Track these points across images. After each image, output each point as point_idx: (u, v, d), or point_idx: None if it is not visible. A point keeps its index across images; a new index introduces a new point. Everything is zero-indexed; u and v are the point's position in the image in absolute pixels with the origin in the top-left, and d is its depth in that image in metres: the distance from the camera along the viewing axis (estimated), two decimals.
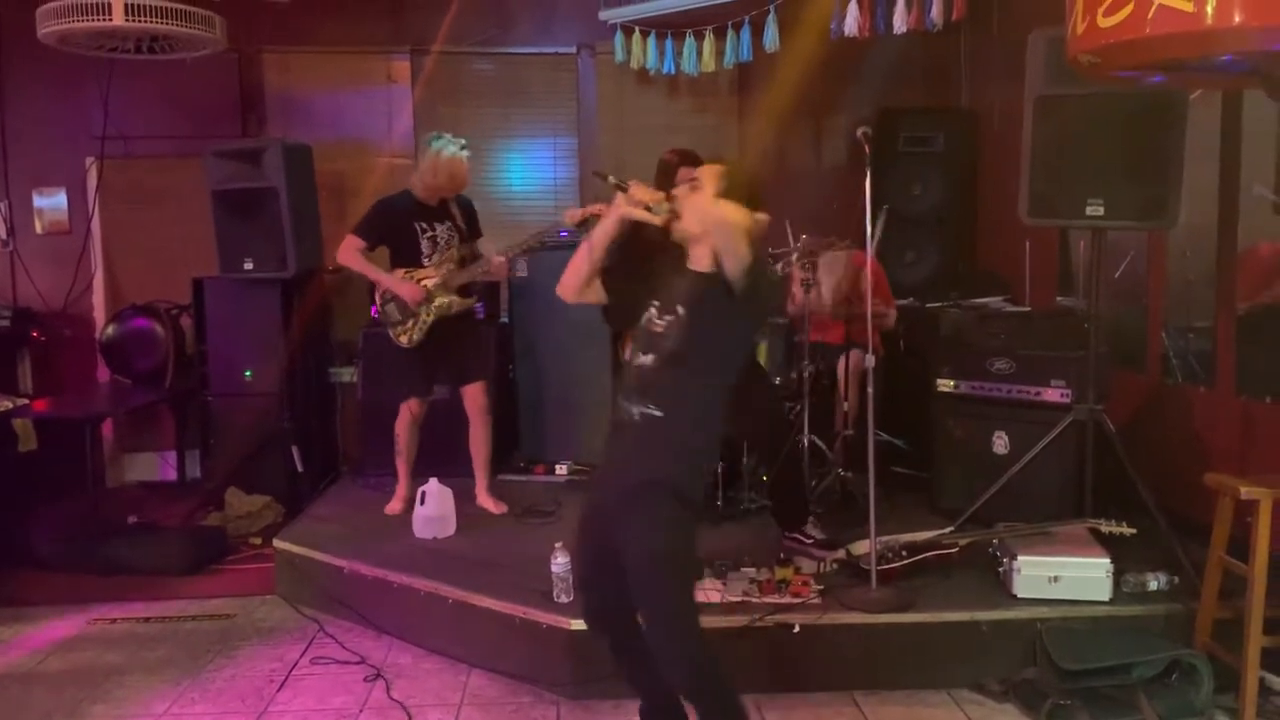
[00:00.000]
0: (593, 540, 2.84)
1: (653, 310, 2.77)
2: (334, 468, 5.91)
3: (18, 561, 4.75)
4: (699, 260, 2.69)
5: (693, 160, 3.88)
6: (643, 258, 2.91)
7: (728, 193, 2.65)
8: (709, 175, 2.71)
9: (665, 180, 3.88)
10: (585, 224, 4.38)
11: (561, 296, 2.94)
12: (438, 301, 4.57)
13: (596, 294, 2.88)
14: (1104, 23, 2.36)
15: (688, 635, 2.67)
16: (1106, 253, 4.02)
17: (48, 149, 6.12)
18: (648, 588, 2.64)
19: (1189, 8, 2.20)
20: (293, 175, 5.25)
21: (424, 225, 4.63)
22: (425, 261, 4.61)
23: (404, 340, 4.63)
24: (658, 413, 2.66)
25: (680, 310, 2.69)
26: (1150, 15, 2.27)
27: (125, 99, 5.93)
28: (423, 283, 4.57)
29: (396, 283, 4.57)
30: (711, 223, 2.56)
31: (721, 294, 2.57)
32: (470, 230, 4.80)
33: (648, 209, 2.69)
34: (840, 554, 3.84)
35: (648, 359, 2.72)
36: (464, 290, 4.69)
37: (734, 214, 2.54)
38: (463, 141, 4.65)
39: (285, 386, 5.45)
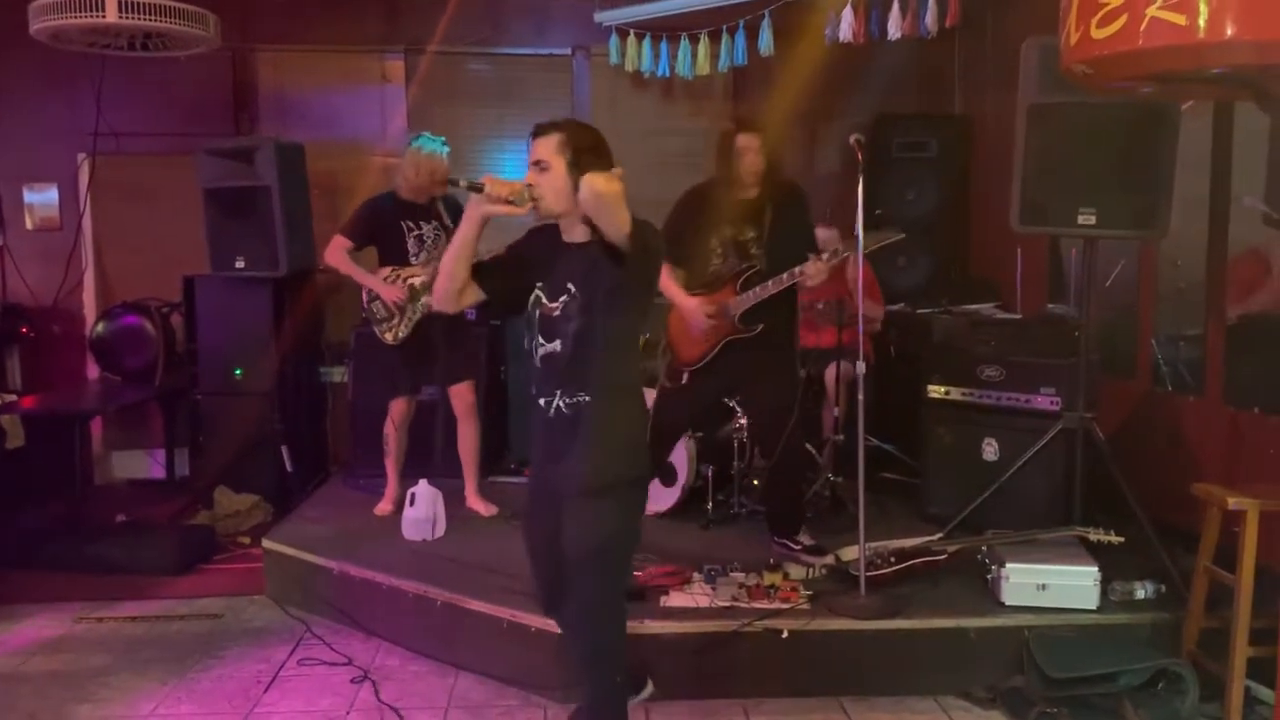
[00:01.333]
0: (540, 537, 2.82)
1: (539, 294, 2.70)
2: (324, 468, 5.90)
3: (3, 559, 4.72)
4: (574, 233, 2.65)
5: (748, 125, 3.90)
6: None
7: (580, 161, 2.57)
8: (546, 150, 2.60)
9: (726, 147, 3.90)
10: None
11: (442, 309, 2.85)
12: (423, 300, 4.56)
13: (474, 295, 2.77)
14: (1097, 34, 2.36)
15: (614, 624, 2.72)
16: (1097, 261, 4.03)
17: (39, 144, 6.09)
18: (588, 576, 2.65)
19: (1182, 21, 2.20)
20: (285, 174, 5.24)
21: (410, 224, 4.62)
22: (412, 260, 4.61)
23: (389, 338, 4.63)
24: (586, 397, 2.62)
25: (572, 288, 2.62)
26: (1143, 28, 2.27)
27: (118, 95, 5.90)
28: (409, 281, 4.56)
29: (379, 284, 4.56)
30: (582, 199, 2.42)
31: (607, 261, 2.48)
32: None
33: (509, 202, 2.60)
34: (829, 560, 3.84)
35: (554, 345, 2.66)
36: None
37: (599, 184, 2.38)
38: (442, 139, 4.66)
39: (275, 386, 5.44)
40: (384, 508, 4.78)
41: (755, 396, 4.09)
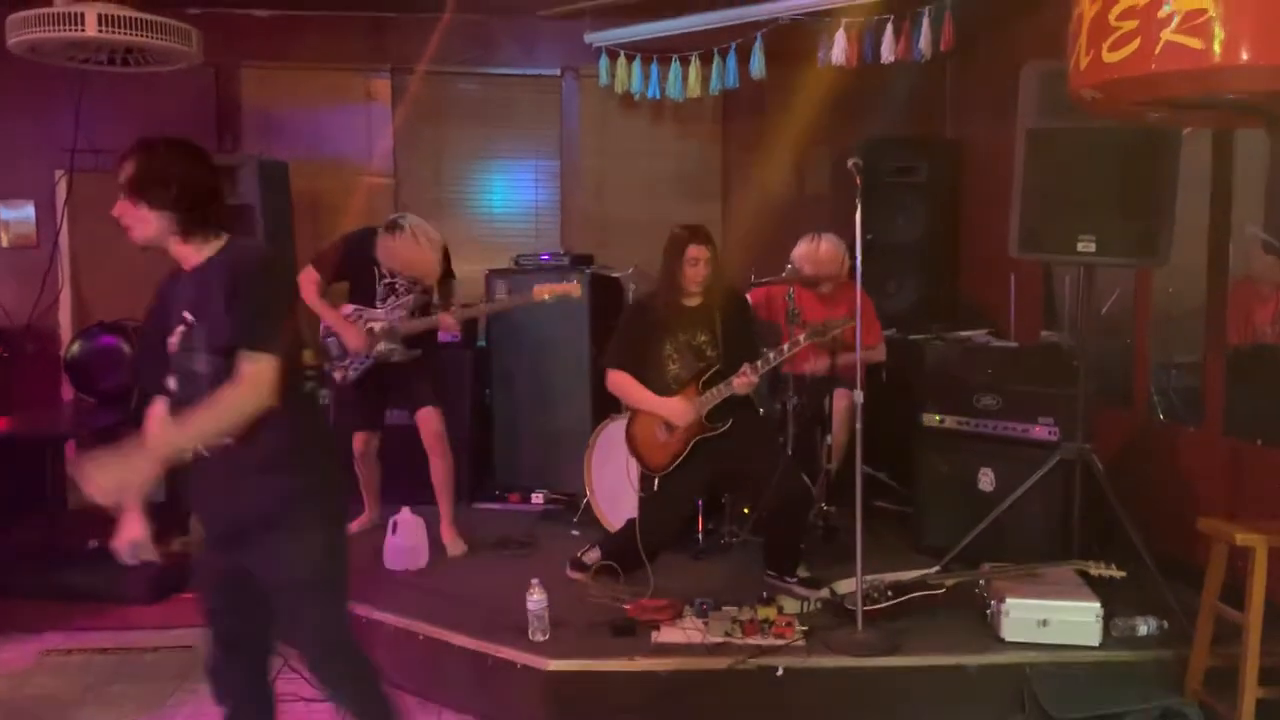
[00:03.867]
0: (213, 584, 2.62)
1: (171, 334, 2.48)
2: None
3: None
4: (185, 258, 2.49)
5: (701, 237, 3.95)
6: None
7: (147, 183, 2.44)
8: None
9: (675, 253, 3.94)
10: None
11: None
12: (379, 348, 4.43)
13: None
14: (1109, 57, 2.31)
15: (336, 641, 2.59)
16: (1095, 288, 3.97)
17: (15, 160, 5.97)
18: (298, 609, 2.50)
19: (1198, 45, 2.15)
20: (268, 193, 5.15)
21: (384, 271, 4.46)
22: (378, 305, 4.48)
23: (339, 377, 4.54)
24: (229, 440, 2.39)
25: (188, 316, 2.43)
26: (1157, 51, 2.21)
27: (98, 112, 5.78)
28: (369, 325, 4.44)
29: (343, 325, 4.42)
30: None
31: (219, 280, 2.36)
32: (445, 271, 4.62)
33: None
34: (824, 593, 3.74)
35: (179, 385, 2.45)
36: (411, 340, 4.52)
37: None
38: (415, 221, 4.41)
39: None
40: (351, 527, 4.66)
41: (748, 475, 4.04)
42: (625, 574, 3.97)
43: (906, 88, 6.06)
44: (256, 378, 2.31)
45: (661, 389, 3.99)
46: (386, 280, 4.47)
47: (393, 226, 4.36)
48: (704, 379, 3.92)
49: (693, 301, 4.01)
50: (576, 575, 4.06)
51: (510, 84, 6.34)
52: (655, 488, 4.03)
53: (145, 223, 2.49)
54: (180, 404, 2.45)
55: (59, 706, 3.60)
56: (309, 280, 4.41)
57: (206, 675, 2.69)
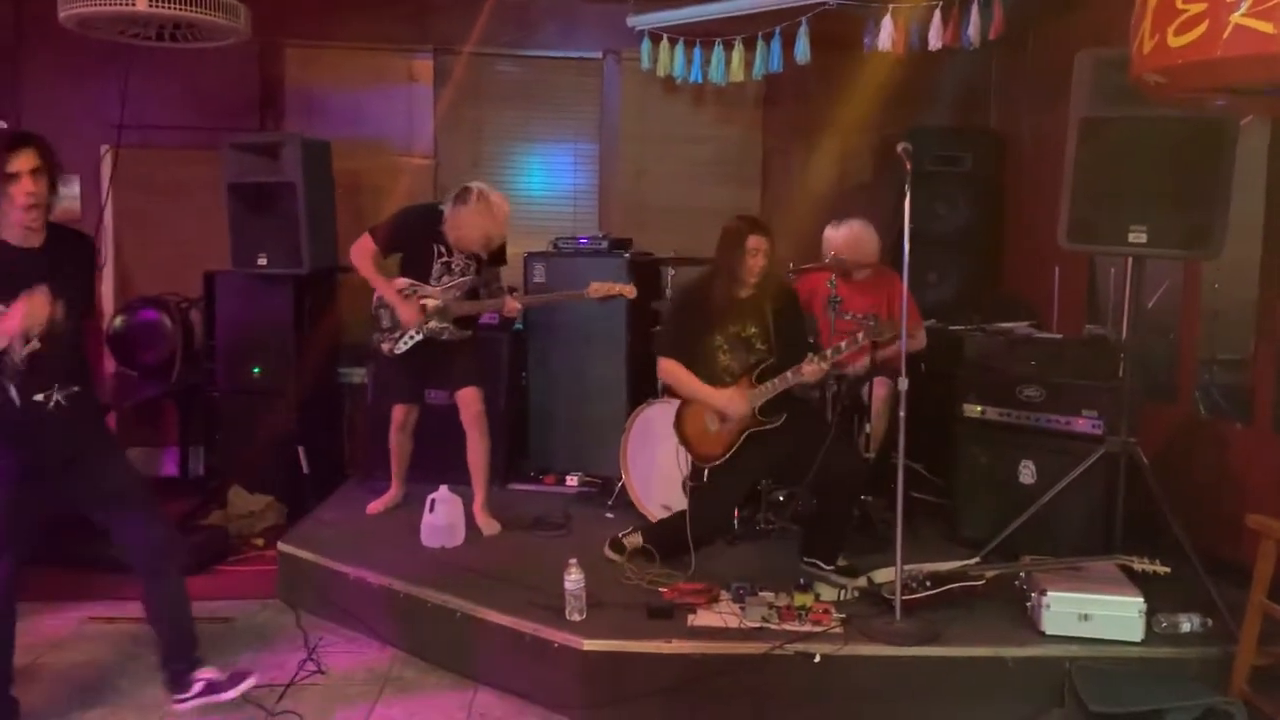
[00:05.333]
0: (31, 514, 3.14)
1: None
2: (339, 470, 5.80)
3: None
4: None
5: (760, 228, 3.91)
6: None
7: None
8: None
9: (735, 243, 3.89)
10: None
11: None
12: (430, 325, 4.46)
13: None
14: (1174, 42, 2.26)
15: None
16: (1144, 280, 3.91)
17: (63, 135, 5.89)
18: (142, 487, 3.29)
19: (1268, 29, 2.10)
20: (310, 171, 5.16)
21: (442, 249, 4.48)
22: (432, 282, 4.50)
23: (386, 348, 4.55)
24: (77, 388, 3.07)
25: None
26: (1225, 35, 2.16)
27: (144, 88, 5.83)
28: (423, 302, 4.46)
29: (398, 299, 4.44)
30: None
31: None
32: (494, 259, 4.66)
33: None
34: (862, 582, 3.72)
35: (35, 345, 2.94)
36: (464, 321, 4.57)
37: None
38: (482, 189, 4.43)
39: (294, 385, 5.35)
40: (374, 506, 4.76)
41: (802, 466, 3.91)
42: (663, 560, 3.96)
43: (952, 76, 6.00)
44: None
45: (712, 380, 3.94)
46: (443, 259, 4.49)
47: (463, 195, 4.39)
48: (758, 371, 3.90)
49: (745, 293, 3.97)
50: (614, 556, 4.06)
51: (551, 66, 6.33)
52: (705, 479, 4.00)
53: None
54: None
55: (102, 674, 3.64)
56: (364, 249, 4.45)
57: None
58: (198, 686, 3.30)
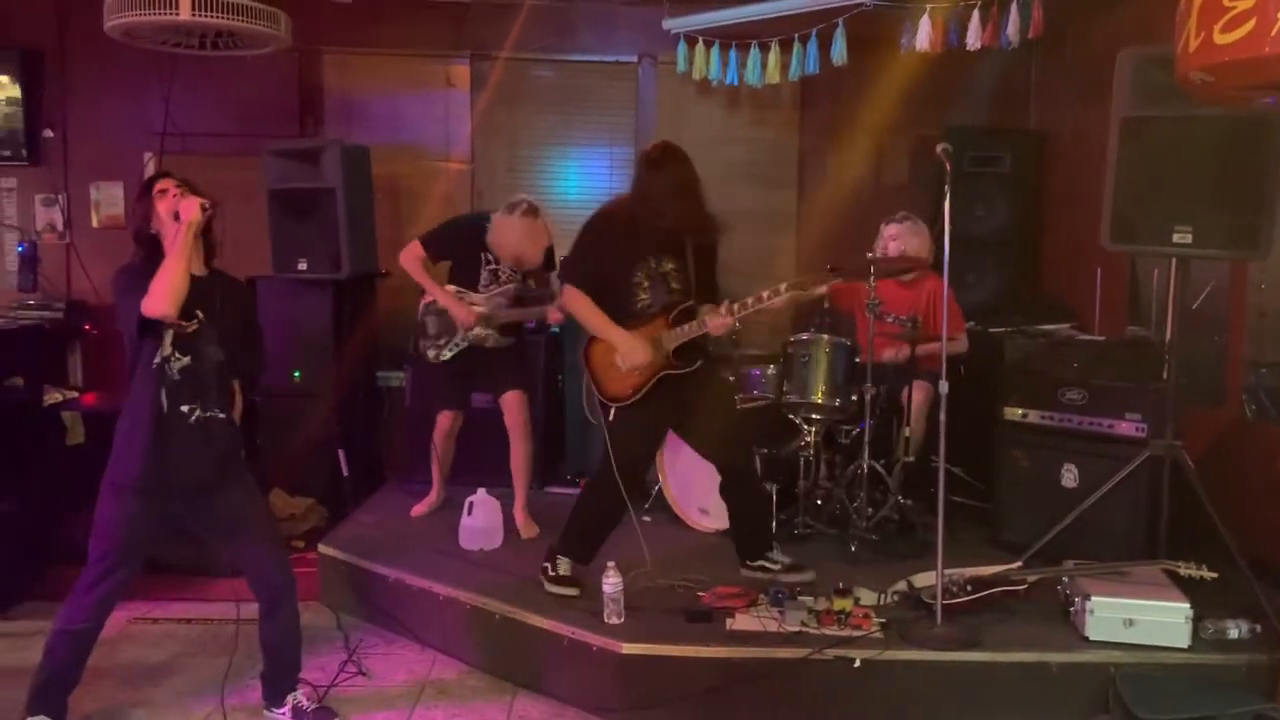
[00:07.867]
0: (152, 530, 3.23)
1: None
2: (379, 473, 5.84)
3: (61, 555, 4.70)
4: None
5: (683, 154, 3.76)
6: None
7: None
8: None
9: (657, 168, 3.70)
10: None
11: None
12: (476, 331, 4.51)
13: None
14: (1221, 39, 2.23)
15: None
16: (1188, 281, 3.86)
17: (108, 143, 6.12)
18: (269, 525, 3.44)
19: None
20: (350, 177, 5.21)
21: (490, 258, 4.57)
22: (480, 290, 4.55)
23: (431, 355, 4.60)
24: (222, 415, 3.17)
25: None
26: (1273, 32, 2.13)
27: (186, 96, 5.91)
28: (471, 308, 4.51)
29: (452, 301, 4.50)
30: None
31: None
32: (545, 264, 4.70)
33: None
34: (901, 586, 3.70)
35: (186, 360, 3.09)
36: (508, 328, 4.61)
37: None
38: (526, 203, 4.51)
39: (334, 389, 5.40)
40: (418, 509, 4.82)
41: (700, 428, 3.80)
42: (594, 542, 3.79)
43: (990, 76, 5.94)
44: None
45: (626, 317, 3.69)
46: (491, 266, 4.56)
47: (513, 205, 4.47)
48: (675, 313, 3.68)
49: (665, 223, 3.63)
50: (565, 590, 3.75)
51: (587, 70, 6.34)
52: (612, 418, 3.75)
53: None
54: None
55: (146, 673, 3.70)
56: (413, 255, 4.52)
57: None
58: (286, 708, 3.37)
